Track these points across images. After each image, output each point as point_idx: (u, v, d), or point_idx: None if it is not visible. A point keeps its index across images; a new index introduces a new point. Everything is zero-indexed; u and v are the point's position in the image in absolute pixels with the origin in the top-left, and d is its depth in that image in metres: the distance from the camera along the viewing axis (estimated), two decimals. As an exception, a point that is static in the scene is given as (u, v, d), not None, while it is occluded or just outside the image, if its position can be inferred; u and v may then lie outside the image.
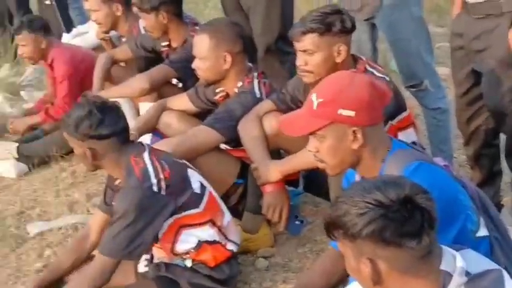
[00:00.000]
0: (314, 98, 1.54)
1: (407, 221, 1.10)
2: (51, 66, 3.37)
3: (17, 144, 3.22)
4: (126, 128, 2.09)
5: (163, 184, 1.95)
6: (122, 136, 2.02)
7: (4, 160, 3.20)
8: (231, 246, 2.09)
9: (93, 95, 2.87)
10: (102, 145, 1.97)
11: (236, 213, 2.30)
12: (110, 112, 2.04)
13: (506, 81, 2.21)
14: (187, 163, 2.16)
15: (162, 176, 1.95)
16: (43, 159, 3.22)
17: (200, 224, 2.04)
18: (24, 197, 3.11)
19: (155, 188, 1.94)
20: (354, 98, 1.49)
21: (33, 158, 3.21)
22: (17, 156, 3.19)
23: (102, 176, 2.79)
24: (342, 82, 1.56)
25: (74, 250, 2.26)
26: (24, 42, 3.31)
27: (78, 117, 1.98)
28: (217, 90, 2.40)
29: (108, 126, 1.99)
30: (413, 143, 1.98)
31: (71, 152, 2.88)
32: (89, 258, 2.23)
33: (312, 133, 1.53)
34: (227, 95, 2.40)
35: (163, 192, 1.95)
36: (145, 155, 1.99)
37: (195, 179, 2.08)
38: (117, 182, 2.12)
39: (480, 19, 2.21)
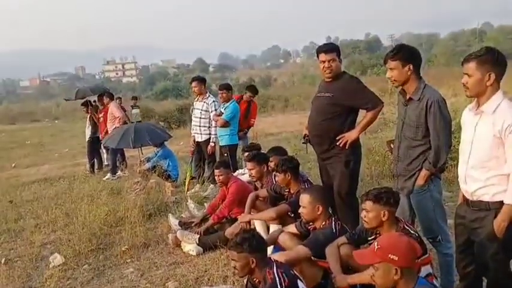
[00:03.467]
0: (376, 244, 2.20)
1: None
2: (227, 188, 4.97)
3: (198, 236, 4.85)
4: (266, 247, 2.86)
5: None
6: (265, 251, 2.86)
7: (191, 244, 4.83)
8: None
9: (244, 215, 4.11)
10: (258, 256, 2.71)
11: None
12: (260, 237, 2.88)
13: (490, 249, 2.73)
14: (298, 274, 2.89)
15: (284, 285, 2.64)
16: (211, 247, 4.71)
17: None
18: (199, 267, 4.46)
19: None
20: (399, 249, 2.08)
21: (206, 245, 4.75)
22: (198, 242, 4.80)
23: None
24: (394, 239, 2.23)
25: None
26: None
27: (247, 238, 2.73)
28: (310, 224, 3.61)
29: (262, 244, 2.78)
30: (429, 274, 2.70)
31: (225, 243, 4.09)
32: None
33: (371, 264, 2.15)
34: (315, 228, 3.57)
35: None
36: (275, 269, 2.70)
37: (301, 286, 2.83)
38: (256, 280, 2.84)
39: (476, 210, 2.78)
